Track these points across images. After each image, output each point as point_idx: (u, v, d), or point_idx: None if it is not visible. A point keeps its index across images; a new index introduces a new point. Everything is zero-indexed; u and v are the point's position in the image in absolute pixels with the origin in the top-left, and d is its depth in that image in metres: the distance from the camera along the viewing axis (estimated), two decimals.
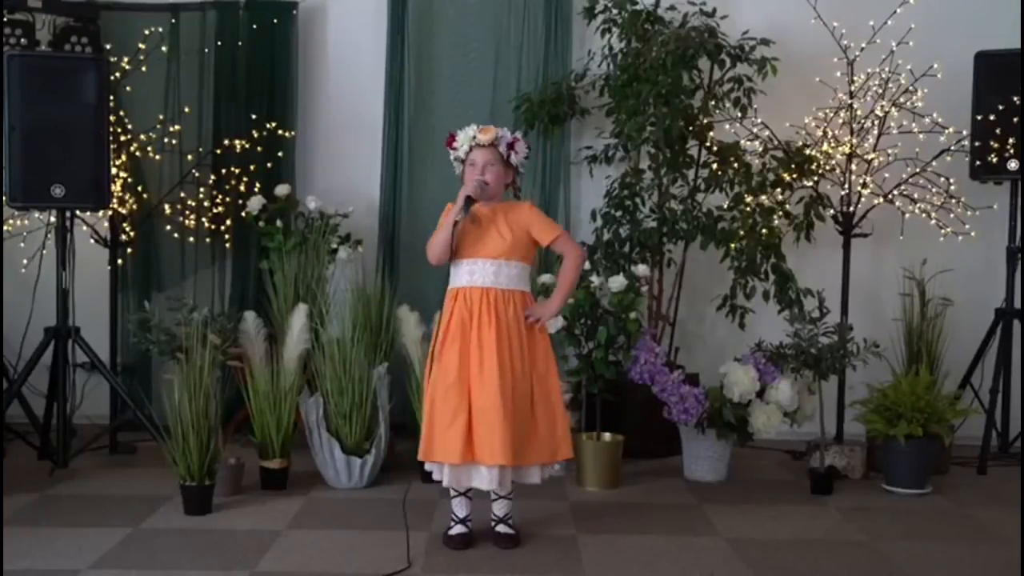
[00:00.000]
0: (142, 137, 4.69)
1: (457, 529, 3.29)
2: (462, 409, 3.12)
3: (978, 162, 4.52)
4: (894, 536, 3.47)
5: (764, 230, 4.45)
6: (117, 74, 4.57)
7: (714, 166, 4.55)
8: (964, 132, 4.54)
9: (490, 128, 3.22)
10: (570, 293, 3.38)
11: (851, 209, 4.53)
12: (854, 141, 4.49)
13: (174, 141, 4.81)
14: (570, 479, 4.15)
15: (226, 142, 4.78)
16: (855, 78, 4.51)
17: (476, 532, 3.33)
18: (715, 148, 4.59)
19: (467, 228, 3.19)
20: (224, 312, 4.28)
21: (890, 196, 4.55)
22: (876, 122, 4.49)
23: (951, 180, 4.55)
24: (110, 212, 4.51)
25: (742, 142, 4.55)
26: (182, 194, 4.81)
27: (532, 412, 3.18)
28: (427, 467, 3.30)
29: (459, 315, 3.17)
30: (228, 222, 4.83)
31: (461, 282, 3.21)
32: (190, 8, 4.95)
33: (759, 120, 4.58)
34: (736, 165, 4.49)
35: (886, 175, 4.57)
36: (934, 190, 4.57)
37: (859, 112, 4.51)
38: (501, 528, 3.29)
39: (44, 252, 4.55)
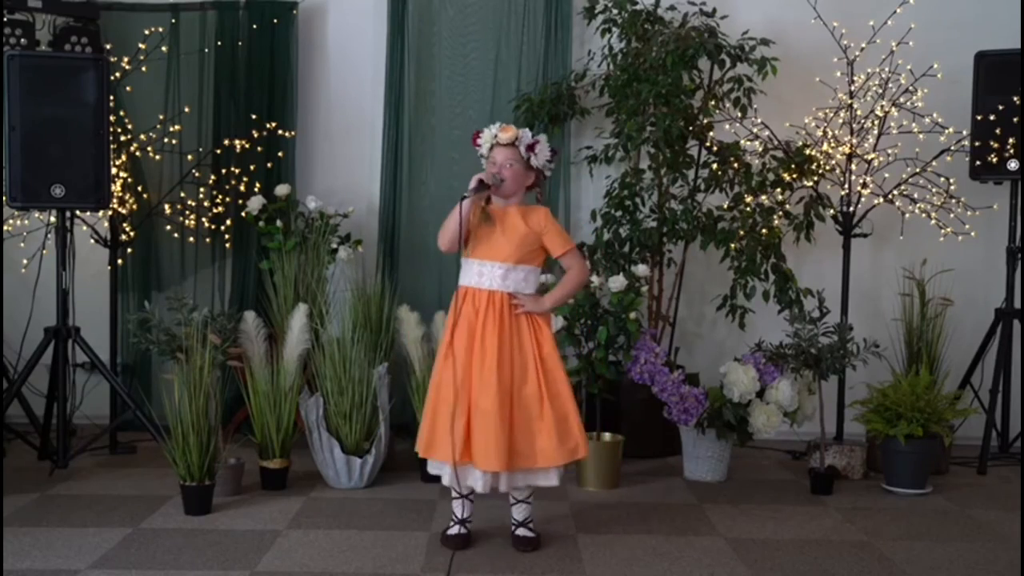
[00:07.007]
0: (142, 137, 4.69)
1: (455, 529, 3.29)
2: (462, 410, 3.12)
3: (978, 162, 4.52)
4: (894, 536, 3.47)
5: (764, 230, 4.45)
6: (117, 74, 4.57)
7: (714, 166, 4.55)
8: (964, 132, 4.55)
9: (510, 127, 3.23)
10: (563, 300, 3.37)
11: (851, 209, 4.53)
12: (854, 141, 4.49)
13: (174, 141, 4.81)
14: (570, 479, 4.15)
15: (226, 142, 4.78)
16: (855, 78, 4.51)
17: (484, 533, 3.33)
18: (715, 148, 4.59)
19: (481, 226, 3.20)
20: (224, 312, 4.27)
21: (890, 196, 4.55)
22: (876, 122, 4.50)
23: (951, 180, 4.56)
24: (110, 212, 4.51)
25: (742, 142, 4.55)
26: (182, 194, 4.81)
27: (541, 413, 3.17)
28: (429, 466, 3.29)
29: (467, 315, 3.19)
30: (228, 222, 4.83)
31: (470, 281, 3.21)
32: (190, 8, 4.95)
33: (759, 120, 4.58)
34: (736, 165, 4.49)
35: (886, 175, 4.57)
36: (934, 190, 4.57)
37: (859, 112, 4.51)
38: (521, 531, 3.30)
39: (44, 252, 4.55)
